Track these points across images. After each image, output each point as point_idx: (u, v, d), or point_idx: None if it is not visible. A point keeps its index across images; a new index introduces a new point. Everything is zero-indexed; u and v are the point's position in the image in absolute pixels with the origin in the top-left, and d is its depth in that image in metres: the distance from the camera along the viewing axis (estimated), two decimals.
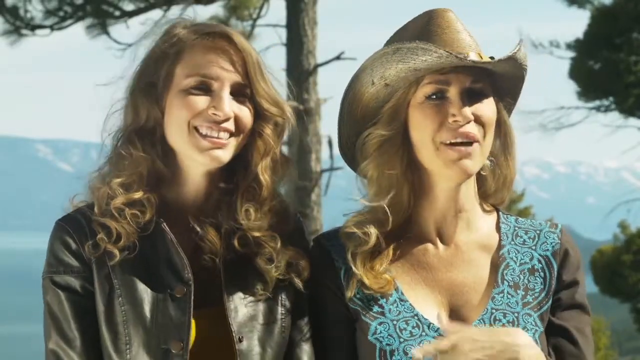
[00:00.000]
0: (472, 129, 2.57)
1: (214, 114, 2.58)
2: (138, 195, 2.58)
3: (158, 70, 2.62)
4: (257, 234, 2.62)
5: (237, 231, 2.62)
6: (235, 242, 2.62)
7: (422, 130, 2.60)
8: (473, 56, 2.57)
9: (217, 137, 2.58)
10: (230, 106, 2.59)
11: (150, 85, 2.63)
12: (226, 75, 2.60)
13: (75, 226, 2.61)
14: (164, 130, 2.63)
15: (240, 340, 2.55)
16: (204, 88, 2.59)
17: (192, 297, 2.55)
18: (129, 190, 2.59)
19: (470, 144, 2.57)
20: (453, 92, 2.58)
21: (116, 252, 2.55)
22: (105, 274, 2.57)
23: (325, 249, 2.69)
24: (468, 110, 2.56)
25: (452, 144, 2.57)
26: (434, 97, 2.59)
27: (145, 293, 2.56)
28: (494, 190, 2.72)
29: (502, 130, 2.68)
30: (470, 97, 2.58)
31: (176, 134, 2.61)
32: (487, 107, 2.60)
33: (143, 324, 2.54)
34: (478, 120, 2.58)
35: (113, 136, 2.66)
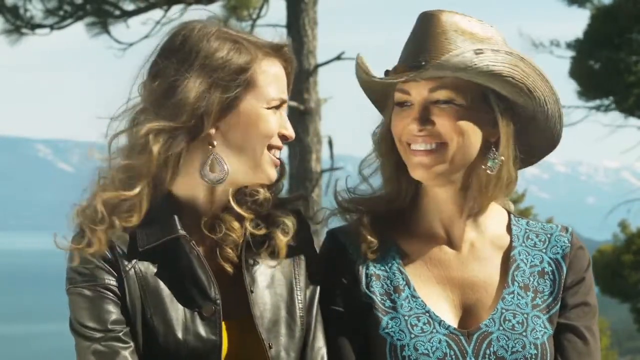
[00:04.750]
0: (425, 140, 2.63)
1: (287, 135, 2.61)
2: (130, 194, 2.51)
3: (231, 75, 2.54)
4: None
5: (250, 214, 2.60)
6: (253, 225, 2.59)
7: (394, 132, 2.68)
8: (425, 63, 2.59)
9: (276, 156, 2.62)
10: None
11: (217, 85, 2.54)
12: (287, 97, 2.65)
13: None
14: (226, 136, 2.56)
15: (271, 347, 2.55)
16: (278, 107, 2.61)
17: (221, 315, 2.52)
18: (122, 189, 2.52)
19: (430, 151, 2.63)
20: (416, 101, 2.65)
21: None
22: (135, 290, 2.52)
23: (340, 242, 2.72)
24: (421, 122, 2.62)
25: (413, 150, 2.65)
26: (402, 104, 2.67)
27: (175, 312, 2.52)
28: (489, 189, 2.71)
29: (498, 133, 2.67)
30: (432, 106, 2.63)
31: (254, 146, 2.57)
32: (447, 117, 2.62)
33: (175, 343, 2.50)
34: (435, 130, 2.62)
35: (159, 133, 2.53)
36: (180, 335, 2.51)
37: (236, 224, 2.58)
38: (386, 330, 2.62)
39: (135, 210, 2.53)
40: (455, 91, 2.62)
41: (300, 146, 11.56)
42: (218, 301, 2.53)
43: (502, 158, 2.66)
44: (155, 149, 2.50)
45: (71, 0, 12.76)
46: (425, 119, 2.62)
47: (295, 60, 2.67)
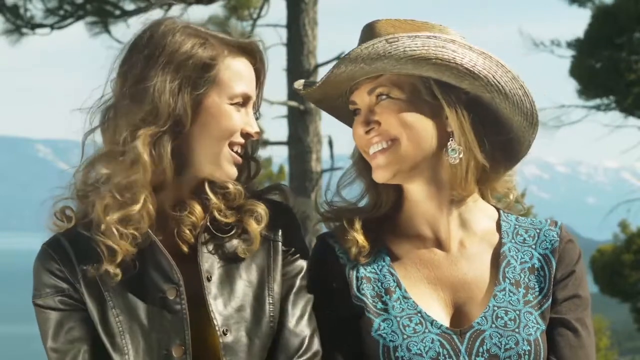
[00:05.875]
0: (377, 141, 2.66)
1: (250, 133, 2.62)
2: (136, 209, 2.52)
3: (197, 71, 2.55)
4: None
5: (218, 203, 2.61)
6: (219, 213, 2.60)
7: (355, 143, 2.74)
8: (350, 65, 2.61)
9: (238, 154, 2.62)
10: None
11: (186, 82, 2.55)
12: (254, 94, 2.66)
13: (59, 249, 2.58)
14: (190, 131, 2.57)
15: (225, 333, 2.54)
16: (242, 104, 2.61)
17: (185, 297, 2.53)
18: (128, 205, 2.52)
19: (384, 150, 2.66)
20: (361, 107, 2.70)
21: (118, 271, 2.53)
22: (95, 287, 2.55)
23: (330, 246, 2.73)
24: (365, 123, 2.67)
25: (371, 155, 2.69)
26: (355, 114, 2.73)
27: (138, 300, 2.55)
28: (459, 180, 2.69)
29: (450, 124, 2.66)
30: (375, 107, 2.67)
31: (214, 142, 2.58)
32: (389, 113, 2.64)
33: (142, 331, 2.53)
34: (382, 128, 2.65)
35: (119, 133, 2.55)
36: (145, 321, 2.53)
37: (198, 208, 2.60)
38: (378, 332, 2.62)
39: (143, 220, 2.54)
40: (390, 86, 2.64)
41: (300, 146, 11.57)
42: (180, 282, 2.54)
43: (460, 147, 2.65)
44: (146, 158, 2.51)
45: (71, 0, 12.76)
46: (369, 120, 2.67)
47: (265, 56, 2.67)
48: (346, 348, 2.64)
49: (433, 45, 2.59)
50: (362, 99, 2.68)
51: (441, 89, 2.63)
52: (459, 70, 2.60)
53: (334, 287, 2.68)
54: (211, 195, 2.59)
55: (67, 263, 2.57)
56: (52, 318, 2.56)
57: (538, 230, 2.77)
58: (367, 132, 2.67)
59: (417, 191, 2.71)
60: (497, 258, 2.72)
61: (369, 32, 2.68)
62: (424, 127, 2.65)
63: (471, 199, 2.73)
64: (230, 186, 2.61)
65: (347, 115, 2.79)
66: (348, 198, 2.78)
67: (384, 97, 2.65)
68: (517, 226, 2.78)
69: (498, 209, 2.80)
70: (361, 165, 2.75)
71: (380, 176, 2.68)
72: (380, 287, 2.68)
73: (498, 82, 2.63)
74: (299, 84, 2.76)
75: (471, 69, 2.60)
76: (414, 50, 2.58)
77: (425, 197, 2.71)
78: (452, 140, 2.65)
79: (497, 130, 2.70)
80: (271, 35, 11.92)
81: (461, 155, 2.65)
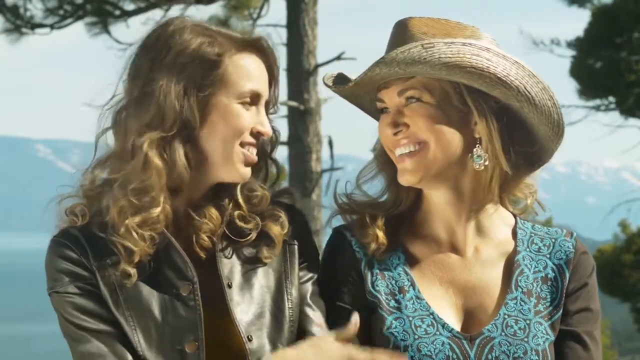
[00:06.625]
0: (405, 143, 2.64)
1: (262, 132, 2.59)
2: (156, 212, 2.50)
3: (203, 71, 2.53)
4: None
5: (237, 209, 2.60)
6: (237, 218, 2.59)
7: (381, 141, 2.72)
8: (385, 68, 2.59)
9: (252, 154, 2.59)
10: None
11: (192, 83, 2.53)
12: (266, 92, 2.63)
13: (73, 239, 2.55)
14: (200, 132, 2.55)
15: (250, 340, 2.53)
16: (252, 102, 2.59)
17: (199, 294, 2.52)
18: (147, 208, 2.50)
19: (411, 153, 2.64)
20: (390, 107, 2.67)
21: (135, 272, 2.51)
22: (109, 282, 2.53)
23: (347, 239, 2.72)
24: (394, 125, 2.65)
25: (398, 156, 2.66)
26: (383, 112, 2.70)
27: (151, 296, 2.52)
28: (482, 187, 2.69)
29: (478, 131, 2.65)
30: (405, 108, 2.65)
31: (223, 142, 2.55)
32: (418, 116, 2.62)
33: (155, 326, 2.51)
34: (411, 131, 2.63)
35: (130, 133, 2.53)
36: (159, 317, 2.51)
37: (214, 213, 2.58)
38: (390, 330, 2.62)
39: (161, 221, 2.52)
40: (421, 90, 2.62)
41: (300, 146, 11.57)
42: (194, 279, 2.53)
43: (486, 154, 2.64)
44: (157, 162, 2.49)
45: (71, 0, 12.76)
46: (397, 121, 2.65)
47: (275, 52, 2.65)
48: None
49: (468, 53, 2.57)
50: (391, 99, 2.66)
51: (472, 96, 2.62)
52: (491, 79, 2.58)
53: (349, 280, 2.68)
54: (241, 200, 2.58)
55: (83, 252, 2.54)
56: (78, 302, 2.52)
57: (553, 240, 2.76)
58: (395, 134, 2.65)
59: (438, 196, 2.70)
60: (510, 266, 2.71)
61: (402, 30, 2.66)
62: (452, 132, 2.63)
63: (491, 205, 2.72)
64: (259, 191, 2.61)
65: (370, 108, 2.77)
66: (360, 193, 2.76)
67: (414, 100, 2.63)
68: (532, 234, 2.77)
69: (515, 216, 2.79)
70: (383, 160, 2.74)
71: (406, 180, 2.65)
72: (395, 285, 2.68)
73: (529, 92, 2.62)
74: (329, 78, 2.73)
75: (504, 78, 2.59)
76: (449, 57, 2.56)
77: (445, 203, 2.70)
78: (478, 146, 2.64)
79: (523, 139, 2.69)
80: (271, 35, 11.92)
81: (486, 162, 2.64)
